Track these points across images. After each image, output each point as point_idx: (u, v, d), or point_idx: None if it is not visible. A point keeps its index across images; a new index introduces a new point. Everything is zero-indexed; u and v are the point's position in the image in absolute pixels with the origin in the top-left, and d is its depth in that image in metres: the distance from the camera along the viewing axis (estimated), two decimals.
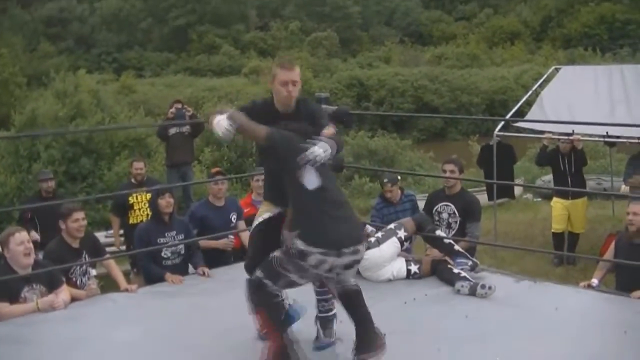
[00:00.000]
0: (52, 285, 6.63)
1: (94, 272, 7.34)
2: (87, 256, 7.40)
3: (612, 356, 5.37)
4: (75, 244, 7.33)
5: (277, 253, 4.92)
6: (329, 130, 5.10)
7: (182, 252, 8.01)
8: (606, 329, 5.93)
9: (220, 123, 4.95)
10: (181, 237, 8.07)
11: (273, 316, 5.09)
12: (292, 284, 5.00)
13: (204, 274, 7.70)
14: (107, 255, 8.16)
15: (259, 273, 5.00)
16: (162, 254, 7.86)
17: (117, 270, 7.75)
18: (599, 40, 61.20)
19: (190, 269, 8.07)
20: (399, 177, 9.56)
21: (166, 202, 8.00)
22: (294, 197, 4.92)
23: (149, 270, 7.84)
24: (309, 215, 4.79)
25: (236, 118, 4.96)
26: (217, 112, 5.08)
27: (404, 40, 71.30)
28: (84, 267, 7.35)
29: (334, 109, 7.74)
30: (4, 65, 36.94)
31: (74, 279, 7.19)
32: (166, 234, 7.98)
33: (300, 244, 4.70)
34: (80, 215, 7.30)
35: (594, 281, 7.41)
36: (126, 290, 7.29)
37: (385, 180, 9.18)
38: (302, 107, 5.42)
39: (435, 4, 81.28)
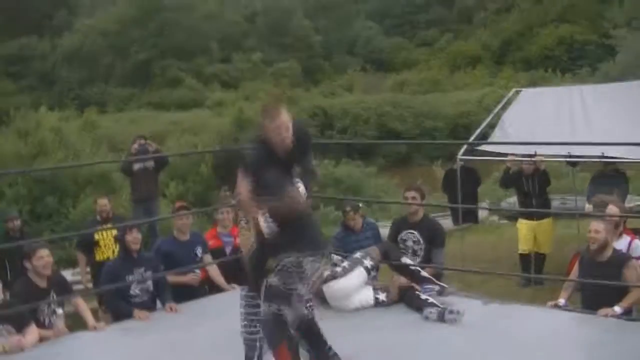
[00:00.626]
0: (20, 326, 6.56)
1: (60, 311, 7.25)
2: (54, 295, 7.30)
3: None
4: (43, 284, 7.21)
5: (274, 279, 5.13)
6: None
7: (151, 289, 7.94)
8: (576, 347, 5.96)
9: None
10: (149, 273, 7.97)
11: (291, 347, 5.27)
12: (301, 298, 5.23)
13: (171, 309, 7.64)
14: (75, 293, 8.05)
15: (270, 307, 5.19)
16: (131, 292, 7.77)
17: (85, 308, 7.68)
18: (559, 61, 61.80)
19: (158, 304, 8.01)
20: (361, 205, 9.55)
21: (133, 238, 7.92)
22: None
23: (116, 307, 7.77)
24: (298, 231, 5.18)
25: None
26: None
27: (366, 68, 71.66)
28: (52, 306, 7.26)
29: None
30: None
31: (42, 319, 7.09)
32: (134, 271, 7.88)
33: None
34: (44, 252, 7.17)
35: (561, 301, 7.46)
36: (94, 328, 7.21)
37: (348, 208, 9.16)
38: (296, 132, 5.42)
39: (396, 30, 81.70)
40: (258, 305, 5.44)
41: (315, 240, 5.30)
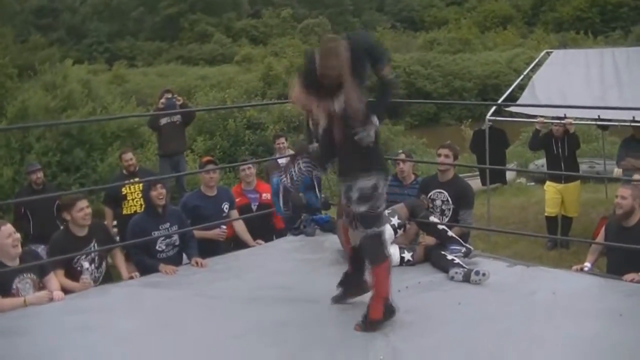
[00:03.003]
0: (42, 274, 6.64)
1: (86, 265, 7.28)
2: (96, 244, 7.38)
3: (608, 339, 5.37)
4: (82, 233, 7.30)
5: (362, 208, 5.54)
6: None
7: (177, 243, 7.96)
8: (600, 312, 5.94)
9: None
10: (175, 228, 7.98)
11: (389, 268, 5.70)
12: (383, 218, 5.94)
13: (197, 264, 7.67)
14: (112, 246, 8.09)
15: (371, 229, 5.58)
16: (157, 247, 7.79)
17: (120, 260, 7.80)
18: (591, 23, 61.27)
19: (184, 259, 8.05)
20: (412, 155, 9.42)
21: (158, 194, 7.89)
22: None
23: (142, 262, 7.79)
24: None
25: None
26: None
27: (395, 25, 71.32)
28: (92, 254, 7.32)
29: None
30: None
31: (77, 268, 7.17)
32: (160, 227, 7.89)
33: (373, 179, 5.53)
34: (84, 204, 7.27)
35: (587, 265, 7.43)
36: (131, 277, 7.35)
37: (400, 150, 9.04)
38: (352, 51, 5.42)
39: None
40: None
41: (383, 161, 5.85)
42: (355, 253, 5.95)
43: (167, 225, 7.96)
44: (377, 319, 5.54)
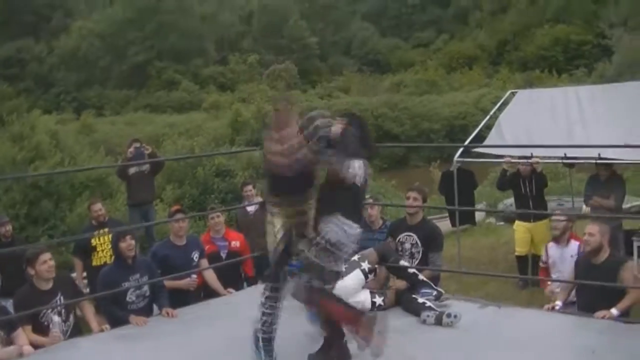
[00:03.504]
0: (10, 330, 6.57)
1: (56, 318, 7.21)
2: (61, 296, 7.28)
3: None
4: (47, 286, 7.21)
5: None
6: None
7: (147, 294, 7.91)
8: (573, 350, 5.96)
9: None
10: (145, 278, 7.92)
11: (331, 297, 5.68)
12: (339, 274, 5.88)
13: (168, 314, 7.61)
14: (78, 299, 8.02)
15: (314, 281, 5.61)
16: (127, 299, 7.73)
17: (89, 312, 7.72)
18: (555, 61, 61.95)
19: (155, 310, 7.99)
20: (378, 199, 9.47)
21: (127, 245, 7.83)
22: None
23: (113, 314, 7.73)
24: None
25: None
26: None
27: (362, 69, 71.75)
28: (57, 307, 7.24)
29: None
30: None
31: (45, 323, 7.08)
32: (130, 278, 7.81)
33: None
34: (47, 256, 7.19)
35: (558, 303, 7.46)
36: (101, 330, 7.31)
37: (368, 196, 9.07)
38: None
39: (392, 31, 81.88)
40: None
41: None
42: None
43: (137, 276, 7.88)
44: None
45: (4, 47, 70.49)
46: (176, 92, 65.92)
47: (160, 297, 7.95)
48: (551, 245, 9.11)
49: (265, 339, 5.84)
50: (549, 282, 8.63)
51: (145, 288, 7.88)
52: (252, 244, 9.54)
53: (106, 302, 7.78)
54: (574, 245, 8.82)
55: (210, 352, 6.22)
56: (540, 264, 9.53)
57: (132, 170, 12.58)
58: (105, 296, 7.72)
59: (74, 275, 11.37)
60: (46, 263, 7.15)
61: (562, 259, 8.86)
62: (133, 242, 7.94)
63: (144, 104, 64.18)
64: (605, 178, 11.92)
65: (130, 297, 7.75)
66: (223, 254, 9.47)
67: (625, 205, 13.91)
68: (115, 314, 7.65)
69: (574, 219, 9.06)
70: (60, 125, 29.59)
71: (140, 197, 12.69)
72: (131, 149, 12.49)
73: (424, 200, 8.55)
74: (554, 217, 9.02)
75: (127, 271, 7.85)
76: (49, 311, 7.15)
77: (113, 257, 8.51)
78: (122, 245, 7.84)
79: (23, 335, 6.69)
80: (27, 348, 6.51)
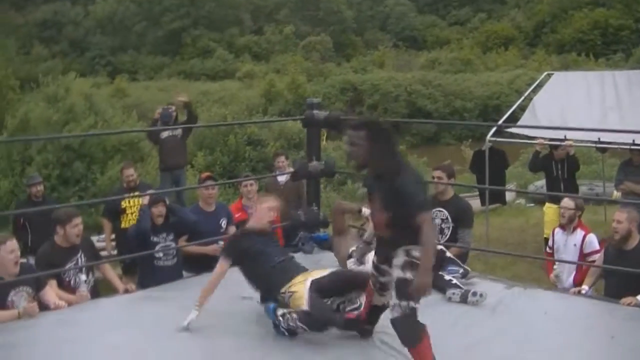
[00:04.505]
0: (38, 287, 6.63)
1: (84, 277, 7.28)
2: (82, 255, 7.35)
3: None
4: (68, 244, 7.29)
5: (406, 274, 5.03)
6: None
7: (174, 253, 8.13)
8: (595, 335, 5.94)
9: None
10: (172, 236, 8.17)
11: (429, 342, 5.08)
12: None
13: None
14: (102, 260, 8.14)
15: (405, 304, 5.00)
16: (155, 255, 7.96)
17: (112, 274, 7.78)
18: (592, 45, 61.35)
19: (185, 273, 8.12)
20: None
21: (159, 211, 8.08)
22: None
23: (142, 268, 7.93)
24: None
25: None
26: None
27: (397, 44, 71.48)
28: (79, 264, 7.32)
29: (325, 114, 7.75)
30: None
31: (67, 279, 7.17)
32: (159, 235, 8.09)
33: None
34: (79, 220, 7.28)
35: (585, 287, 7.43)
36: (126, 290, 7.37)
37: None
38: None
39: (429, 8, 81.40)
40: None
41: None
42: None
43: (164, 234, 8.12)
44: None
45: (41, 9, 70.85)
46: (210, 60, 65.99)
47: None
48: (557, 231, 9.06)
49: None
50: (554, 267, 8.63)
51: (172, 247, 8.09)
52: (281, 214, 9.55)
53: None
54: (579, 234, 8.76)
55: (235, 318, 6.25)
56: (547, 249, 9.51)
57: (164, 134, 12.59)
58: (132, 250, 8.02)
59: (102, 237, 11.55)
60: (77, 227, 7.23)
61: (566, 246, 8.83)
62: (164, 209, 8.11)
63: (177, 70, 64.34)
64: (637, 163, 11.82)
65: (159, 253, 7.97)
66: None
67: None
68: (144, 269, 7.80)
69: (582, 208, 8.95)
70: (94, 89, 29.71)
71: (172, 162, 12.69)
72: (159, 110, 12.46)
73: (449, 178, 8.48)
74: (562, 204, 8.93)
75: (156, 228, 8.11)
76: (77, 266, 7.23)
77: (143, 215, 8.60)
78: (154, 210, 8.05)
79: (52, 292, 6.76)
80: (60, 303, 6.61)
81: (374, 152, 5.07)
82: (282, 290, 5.90)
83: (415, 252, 4.98)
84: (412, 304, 4.96)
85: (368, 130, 5.11)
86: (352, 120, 5.43)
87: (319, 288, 5.76)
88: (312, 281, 5.80)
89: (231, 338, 5.86)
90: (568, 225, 8.81)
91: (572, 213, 8.77)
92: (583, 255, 8.63)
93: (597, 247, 8.61)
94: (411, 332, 4.99)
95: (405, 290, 4.96)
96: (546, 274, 9.21)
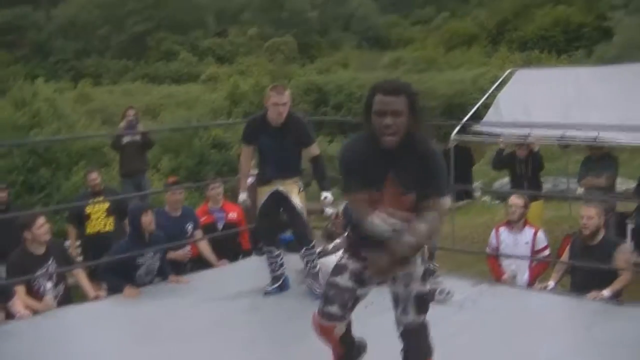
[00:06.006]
0: (7, 296, 6.58)
1: (49, 284, 7.23)
2: (54, 261, 7.32)
3: (571, 356, 5.41)
4: (40, 251, 7.26)
5: (422, 287, 4.63)
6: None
7: (155, 272, 7.88)
8: (563, 330, 5.99)
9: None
10: (157, 256, 7.84)
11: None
12: None
13: (178, 281, 7.74)
14: (72, 266, 8.03)
15: (421, 317, 4.67)
16: (137, 274, 7.67)
17: (84, 279, 7.73)
18: (555, 42, 61.65)
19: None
20: None
21: (149, 219, 7.70)
22: None
23: (111, 281, 7.70)
24: None
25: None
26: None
27: (361, 44, 71.58)
28: (49, 272, 7.26)
29: None
30: None
31: (36, 287, 7.11)
32: (145, 255, 7.70)
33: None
34: (43, 220, 7.27)
35: (551, 283, 7.50)
36: (96, 297, 7.40)
37: None
38: (290, 122, 6.97)
39: (392, 8, 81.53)
40: None
41: None
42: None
43: (152, 254, 7.77)
44: None
45: (2, 13, 70.20)
46: (174, 63, 65.67)
47: (164, 267, 7.97)
48: (503, 230, 8.92)
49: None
50: (512, 268, 8.56)
51: (156, 264, 7.83)
52: (248, 216, 9.53)
53: (110, 273, 7.65)
54: (528, 231, 8.70)
55: (203, 323, 6.25)
56: (487, 250, 9.30)
57: (125, 139, 12.59)
58: (111, 268, 7.61)
59: (67, 243, 11.45)
60: (43, 226, 7.22)
61: (516, 244, 8.70)
62: (152, 216, 7.82)
63: (141, 74, 63.93)
64: (597, 157, 11.94)
65: (140, 272, 7.70)
66: (220, 225, 9.47)
67: (619, 188, 13.94)
68: (113, 281, 7.59)
69: (528, 205, 8.92)
70: (58, 94, 29.51)
71: (132, 167, 12.71)
72: (123, 123, 12.48)
73: None
74: (511, 201, 8.83)
75: (143, 247, 7.69)
76: (43, 277, 7.18)
77: (107, 225, 8.51)
78: (145, 219, 7.67)
79: (19, 302, 6.71)
80: (25, 312, 6.56)
81: (414, 121, 4.42)
82: None
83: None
84: (425, 317, 4.67)
85: (407, 95, 4.42)
86: (385, 84, 4.59)
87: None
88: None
89: (212, 342, 5.84)
90: (517, 223, 8.78)
91: (522, 211, 8.77)
92: (534, 253, 8.61)
93: (546, 243, 8.69)
94: (426, 344, 4.72)
95: (426, 307, 4.66)
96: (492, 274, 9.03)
